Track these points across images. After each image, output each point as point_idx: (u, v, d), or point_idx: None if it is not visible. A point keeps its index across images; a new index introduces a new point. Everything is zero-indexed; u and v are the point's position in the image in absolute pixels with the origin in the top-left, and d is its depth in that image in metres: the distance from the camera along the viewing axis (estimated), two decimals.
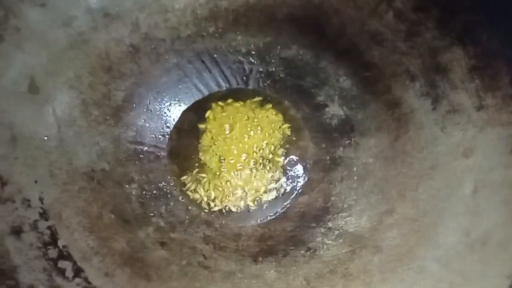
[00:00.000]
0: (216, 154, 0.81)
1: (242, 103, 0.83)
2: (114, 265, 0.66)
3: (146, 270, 0.68)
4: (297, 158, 0.82)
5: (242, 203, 0.79)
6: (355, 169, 0.76)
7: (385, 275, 0.65)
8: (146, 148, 0.79)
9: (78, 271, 0.64)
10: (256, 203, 0.79)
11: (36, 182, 0.66)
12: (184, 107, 0.83)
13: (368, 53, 0.76)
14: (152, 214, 0.75)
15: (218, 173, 0.80)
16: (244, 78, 0.83)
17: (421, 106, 0.71)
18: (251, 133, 0.81)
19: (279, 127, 0.82)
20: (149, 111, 0.80)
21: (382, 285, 0.64)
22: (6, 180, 0.63)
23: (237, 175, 0.80)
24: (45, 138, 0.69)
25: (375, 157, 0.75)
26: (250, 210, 0.79)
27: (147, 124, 0.79)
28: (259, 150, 0.81)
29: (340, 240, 0.72)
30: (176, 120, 0.82)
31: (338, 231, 0.73)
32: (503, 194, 0.61)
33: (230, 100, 0.83)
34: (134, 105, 0.78)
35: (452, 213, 0.64)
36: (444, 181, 0.67)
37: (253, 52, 0.81)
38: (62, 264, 0.63)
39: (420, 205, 0.68)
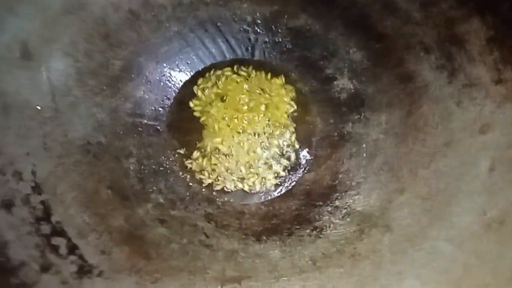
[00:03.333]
0: (219, 128, 0.77)
1: (247, 74, 0.80)
2: (111, 243, 0.63)
3: (145, 248, 0.65)
4: (304, 133, 0.78)
5: (245, 180, 0.76)
6: (364, 145, 0.73)
7: (396, 256, 0.62)
8: (145, 121, 0.75)
9: (72, 248, 0.61)
10: (260, 180, 0.76)
11: (28, 154, 0.63)
12: (185, 78, 0.79)
13: (380, 23, 0.72)
14: (151, 190, 0.72)
15: (219, 148, 0.76)
16: (249, 48, 0.80)
17: (436, 79, 0.68)
18: (258, 106, 0.78)
19: (286, 101, 0.79)
20: (149, 82, 0.76)
21: (393, 266, 0.61)
22: None
23: (240, 150, 0.76)
24: (39, 107, 0.65)
25: (385, 133, 0.72)
26: (253, 188, 0.76)
27: (146, 96, 0.76)
28: (265, 126, 0.78)
29: (348, 219, 0.69)
30: (177, 92, 0.78)
31: (345, 210, 0.70)
32: None
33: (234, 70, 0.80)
34: (133, 76, 0.74)
35: (467, 191, 0.61)
36: (459, 159, 0.64)
37: (259, 21, 0.77)
38: (56, 240, 0.60)
39: (432, 184, 0.64)
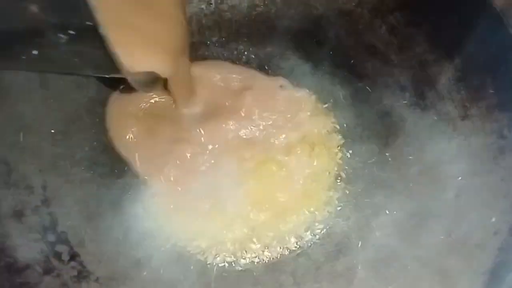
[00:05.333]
0: None
1: None
2: (108, 253, 0.69)
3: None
4: None
5: None
6: (344, 174, 0.79)
7: (368, 273, 0.67)
8: None
9: (74, 256, 0.67)
10: None
11: (40, 171, 0.70)
12: None
13: (361, 64, 0.80)
14: None
15: None
16: None
17: (410, 115, 0.74)
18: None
19: None
20: None
21: (365, 282, 0.66)
22: (12, 168, 0.68)
23: None
24: (52, 131, 0.73)
25: (364, 162, 0.78)
26: None
27: None
28: None
29: (328, 239, 0.74)
30: None
31: (326, 231, 0.75)
32: (483, 198, 0.63)
33: None
34: None
35: (435, 215, 0.67)
36: (430, 186, 0.70)
37: (252, 61, 0.85)
38: (60, 248, 0.67)
39: (405, 208, 0.70)
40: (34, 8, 0.39)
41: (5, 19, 0.41)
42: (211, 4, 0.84)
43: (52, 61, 0.47)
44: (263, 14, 0.84)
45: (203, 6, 0.84)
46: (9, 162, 0.67)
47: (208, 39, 0.84)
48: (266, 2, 0.84)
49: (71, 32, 0.40)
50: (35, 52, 0.43)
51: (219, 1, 0.84)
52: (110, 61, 0.43)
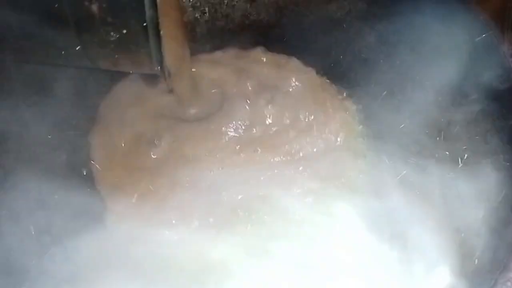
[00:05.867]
0: None
1: None
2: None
3: None
4: None
5: None
6: None
7: None
8: None
9: (67, 259, 0.68)
10: None
11: (36, 175, 0.71)
12: None
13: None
14: None
15: None
16: None
17: None
18: None
19: None
20: None
21: None
22: (8, 171, 0.70)
23: None
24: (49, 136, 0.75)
25: None
26: None
27: None
28: None
29: None
30: None
31: None
32: None
33: None
34: None
35: None
36: None
37: None
38: (54, 250, 0.68)
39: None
40: (94, 7, 0.41)
41: (56, 15, 0.42)
42: (205, 13, 0.86)
43: (94, 57, 0.48)
44: (256, 23, 0.86)
45: (197, 15, 0.86)
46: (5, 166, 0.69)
47: (203, 47, 0.87)
48: (259, 11, 0.86)
49: (124, 31, 0.43)
50: (78, 48, 0.45)
51: (213, 10, 0.87)
52: (151, 58, 0.46)
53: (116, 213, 0.72)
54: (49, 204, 0.69)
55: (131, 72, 0.59)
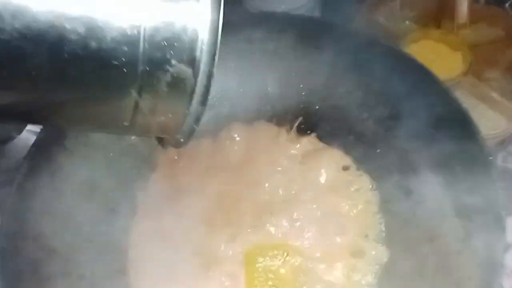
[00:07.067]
0: None
1: None
2: None
3: None
4: None
5: None
6: None
7: None
8: None
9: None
10: None
11: None
12: None
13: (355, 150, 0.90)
14: None
15: None
16: None
17: (395, 196, 0.81)
18: None
19: None
20: None
21: None
22: None
23: None
24: None
25: None
26: None
27: None
28: None
29: None
30: None
31: None
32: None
33: None
34: None
35: None
36: (413, 261, 0.74)
37: None
38: (52, 257, 0.69)
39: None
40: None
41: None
42: None
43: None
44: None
45: None
46: None
47: None
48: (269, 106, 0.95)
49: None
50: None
51: (218, 95, 0.92)
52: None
53: None
54: None
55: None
